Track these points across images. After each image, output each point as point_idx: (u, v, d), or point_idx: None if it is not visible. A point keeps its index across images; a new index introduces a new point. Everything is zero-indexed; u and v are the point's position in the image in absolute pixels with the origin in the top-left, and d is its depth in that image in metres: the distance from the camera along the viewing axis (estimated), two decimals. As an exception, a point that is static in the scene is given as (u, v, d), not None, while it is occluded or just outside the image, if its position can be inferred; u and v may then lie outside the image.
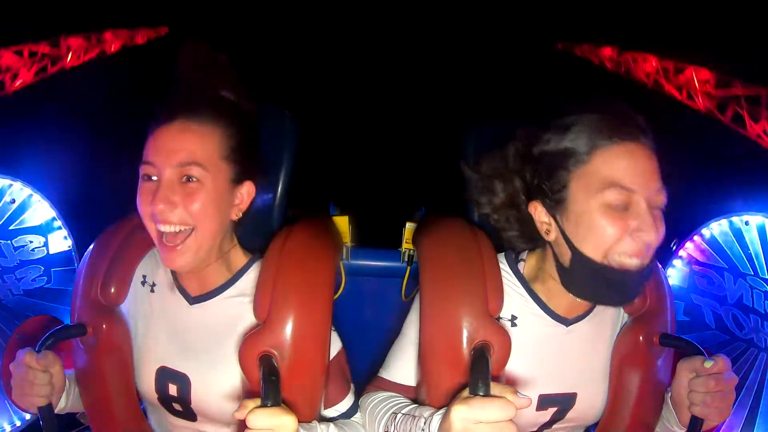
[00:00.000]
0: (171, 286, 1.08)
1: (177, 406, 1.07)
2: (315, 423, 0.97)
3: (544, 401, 1.04)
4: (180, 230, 0.94)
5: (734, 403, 1.01)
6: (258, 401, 0.79)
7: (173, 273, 1.08)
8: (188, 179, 0.93)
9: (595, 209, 0.90)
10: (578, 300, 1.01)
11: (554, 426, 1.09)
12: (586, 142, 0.91)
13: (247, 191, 1.02)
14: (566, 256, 0.96)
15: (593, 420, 1.13)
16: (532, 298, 1.04)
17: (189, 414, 1.07)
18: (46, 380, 0.99)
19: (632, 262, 0.90)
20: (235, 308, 1.03)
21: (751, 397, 1.59)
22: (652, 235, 0.88)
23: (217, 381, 1.01)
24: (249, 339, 0.95)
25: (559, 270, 0.99)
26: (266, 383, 0.82)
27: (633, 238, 0.89)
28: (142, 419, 1.16)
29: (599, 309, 1.07)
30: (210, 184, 0.94)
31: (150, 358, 1.07)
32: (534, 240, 1.04)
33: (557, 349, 1.04)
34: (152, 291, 1.09)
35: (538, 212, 0.98)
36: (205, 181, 0.94)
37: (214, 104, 0.98)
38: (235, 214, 1.02)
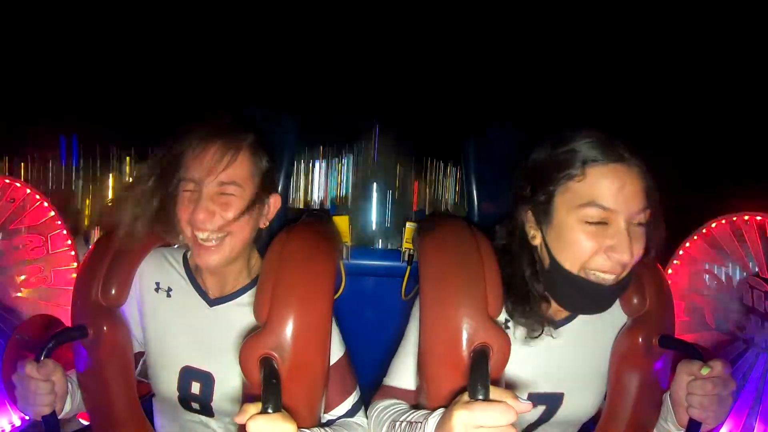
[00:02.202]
0: (189, 289, 1.15)
1: (195, 405, 1.12)
2: (316, 429, 0.97)
3: (532, 399, 1.05)
4: (214, 237, 1.04)
5: (733, 405, 1.01)
6: (258, 405, 0.79)
7: (191, 276, 1.16)
8: (225, 193, 1.05)
9: (574, 224, 0.95)
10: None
11: (543, 426, 1.10)
12: (573, 160, 0.96)
13: (273, 203, 1.15)
14: (546, 261, 1.01)
15: (581, 421, 1.15)
16: None
17: (207, 411, 1.12)
18: (49, 389, 1.01)
19: (606, 278, 0.95)
20: None
21: (752, 398, 1.59)
22: (626, 255, 0.92)
23: (239, 380, 1.05)
24: (249, 341, 0.95)
25: (540, 273, 1.03)
26: (267, 386, 0.82)
27: (608, 256, 0.93)
28: (143, 419, 1.16)
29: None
30: (243, 198, 1.06)
31: (172, 359, 1.12)
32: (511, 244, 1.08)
33: (545, 349, 1.08)
34: (168, 296, 1.15)
35: (529, 218, 1.04)
36: (239, 195, 1.06)
37: (243, 132, 1.10)
38: (263, 223, 1.14)
